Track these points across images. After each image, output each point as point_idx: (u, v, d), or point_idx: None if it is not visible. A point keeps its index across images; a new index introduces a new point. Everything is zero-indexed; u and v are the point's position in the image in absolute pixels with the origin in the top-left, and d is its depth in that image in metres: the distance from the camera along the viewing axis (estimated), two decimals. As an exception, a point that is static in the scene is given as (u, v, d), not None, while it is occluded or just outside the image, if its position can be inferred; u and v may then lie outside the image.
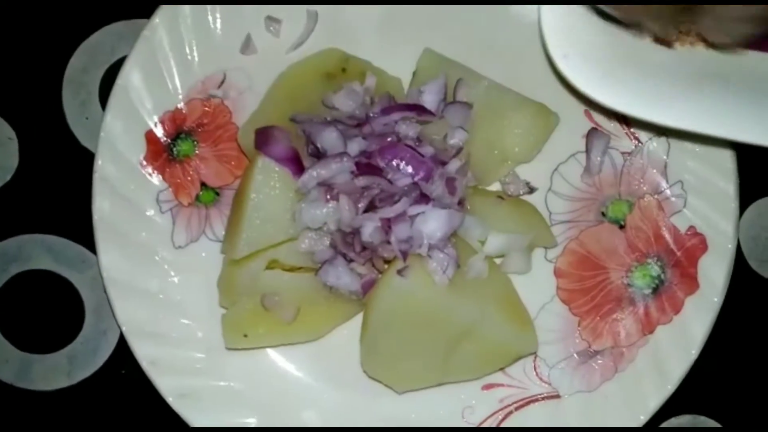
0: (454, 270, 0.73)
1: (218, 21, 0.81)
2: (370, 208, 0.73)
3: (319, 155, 0.75)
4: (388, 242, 0.73)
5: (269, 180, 0.75)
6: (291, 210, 0.75)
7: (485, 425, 0.80)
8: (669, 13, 0.67)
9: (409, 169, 0.74)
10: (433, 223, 0.72)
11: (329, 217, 0.73)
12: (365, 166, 0.73)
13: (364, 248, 0.74)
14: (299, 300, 0.77)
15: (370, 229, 0.72)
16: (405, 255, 0.73)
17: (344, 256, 0.75)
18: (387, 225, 0.72)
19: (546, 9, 0.69)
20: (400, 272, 0.72)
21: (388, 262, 0.76)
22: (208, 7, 0.81)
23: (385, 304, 0.74)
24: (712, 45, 0.70)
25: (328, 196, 0.73)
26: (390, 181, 0.73)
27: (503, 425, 0.80)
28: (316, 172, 0.73)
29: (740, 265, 0.85)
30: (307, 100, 0.79)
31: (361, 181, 0.72)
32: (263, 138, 0.75)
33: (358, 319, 0.79)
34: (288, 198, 0.75)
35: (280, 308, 0.76)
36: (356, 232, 0.74)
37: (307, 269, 0.77)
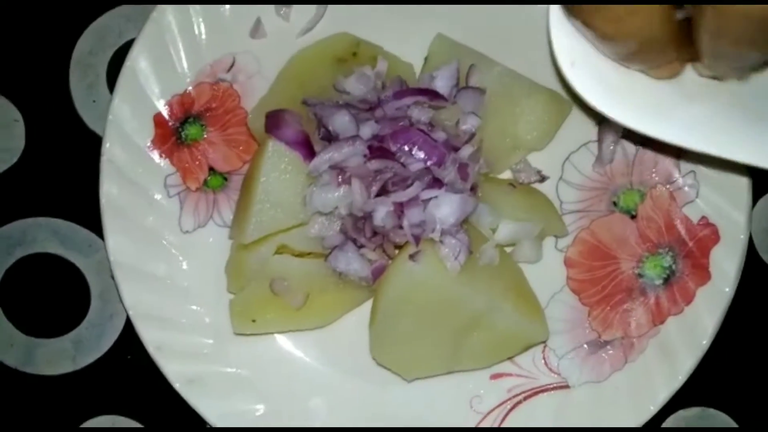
0: (466, 256, 0.72)
1: (227, 4, 0.81)
2: (382, 192, 0.72)
3: (330, 139, 0.74)
4: (400, 227, 0.72)
5: (279, 163, 0.74)
6: (301, 194, 0.74)
7: (493, 414, 0.79)
8: (663, 56, 0.64)
9: (422, 154, 0.73)
10: (446, 207, 0.71)
11: (341, 201, 0.73)
12: (378, 150, 0.72)
13: (374, 233, 0.74)
14: (308, 286, 0.76)
15: (382, 213, 0.72)
16: (417, 240, 0.72)
17: (354, 241, 0.75)
18: (399, 209, 0.72)
19: (555, 10, 0.66)
20: (412, 257, 0.72)
21: (398, 248, 0.75)
22: (218, -11, 0.80)
23: (396, 291, 0.73)
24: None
25: (340, 179, 0.73)
26: (403, 165, 0.72)
27: (511, 415, 0.79)
28: (328, 155, 0.72)
29: (751, 258, 0.84)
30: (318, 85, 0.78)
31: (374, 164, 0.72)
32: (274, 121, 0.74)
33: (368, 305, 0.78)
34: (298, 182, 0.74)
35: (289, 294, 0.76)
36: (367, 216, 0.73)
37: (316, 255, 0.77)
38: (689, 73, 0.67)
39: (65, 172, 0.87)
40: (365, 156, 0.72)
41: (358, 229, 0.74)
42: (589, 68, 0.67)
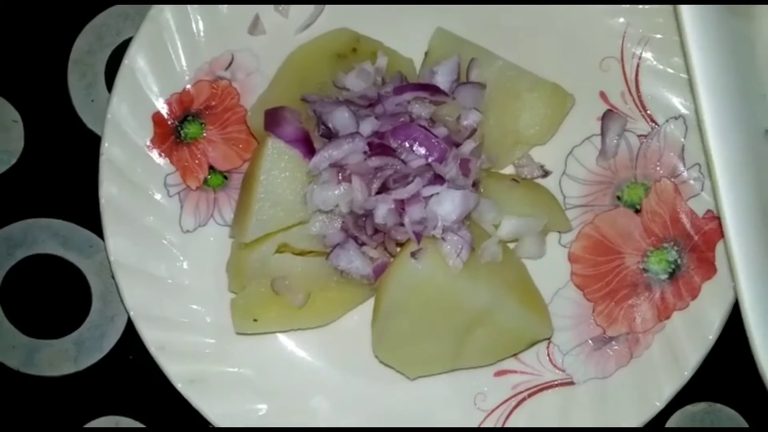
0: (469, 253, 0.72)
1: (225, 4, 0.80)
2: (383, 189, 0.72)
3: (330, 136, 0.74)
4: (402, 224, 0.72)
5: (279, 161, 0.74)
6: (302, 192, 0.74)
7: (497, 412, 0.79)
8: None
9: (423, 150, 0.72)
10: (447, 204, 0.71)
11: (341, 199, 0.72)
12: (378, 147, 0.72)
13: (376, 231, 0.73)
14: (310, 284, 0.76)
15: (383, 210, 0.71)
16: (419, 237, 0.71)
17: (356, 239, 0.74)
18: (401, 206, 0.71)
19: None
20: (413, 255, 0.71)
21: (400, 245, 0.75)
22: (216, -14, 0.80)
23: (398, 289, 0.73)
24: None
25: (340, 177, 0.72)
26: (404, 162, 0.72)
27: (516, 412, 0.79)
28: (327, 153, 0.71)
29: (758, 251, 0.83)
30: (318, 81, 0.78)
31: (374, 161, 0.71)
32: (273, 119, 0.74)
33: (370, 303, 0.78)
34: (299, 180, 0.74)
35: (291, 292, 0.75)
36: (368, 214, 0.73)
37: (317, 253, 0.76)
38: None
39: (65, 173, 0.87)
40: (365, 153, 0.72)
41: (359, 226, 0.73)
42: None
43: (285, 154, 0.74)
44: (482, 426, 0.79)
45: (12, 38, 0.88)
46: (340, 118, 0.72)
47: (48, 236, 0.87)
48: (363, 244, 0.74)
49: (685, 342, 0.77)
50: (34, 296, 0.87)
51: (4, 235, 0.87)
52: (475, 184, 0.75)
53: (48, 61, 0.87)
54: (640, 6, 0.79)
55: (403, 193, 0.70)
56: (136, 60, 0.79)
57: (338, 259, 0.74)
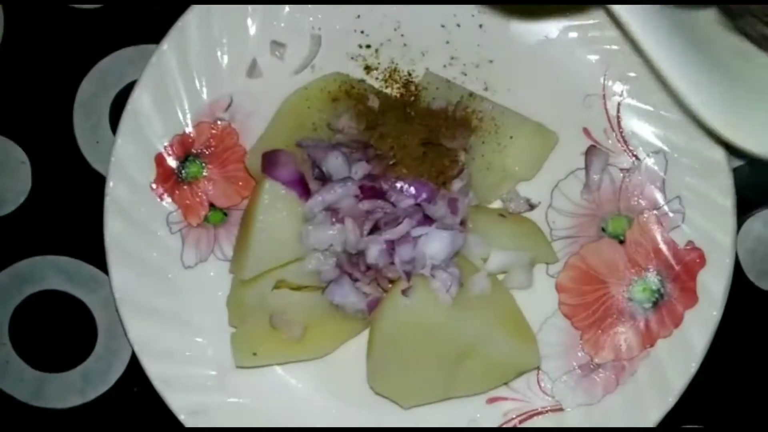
0: (457, 289, 0.74)
1: (225, 46, 0.83)
2: (375, 230, 0.75)
3: (324, 179, 0.77)
4: (393, 263, 0.74)
5: (276, 202, 0.76)
6: (297, 231, 0.77)
7: (490, 438, 0.82)
8: None
9: (412, 190, 0.75)
10: (436, 244, 0.73)
11: (335, 239, 0.75)
12: (369, 190, 0.75)
13: (369, 268, 0.76)
14: (306, 318, 0.78)
15: (375, 251, 0.74)
16: (409, 275, 0.74)
17: (350, 275, 0.77)
18: (391, 246, 0.74)
19: None
20: (404, 292, 0.74)
21: (392, 281, 0.77)
22: (216, 32, 0.83)
23: (390, 324, 0.75)
24: None
25: (334, 219, 0.75)
26: (393, 204, 0.75)
27: (508, 438, 0.81)
28: (321, 197, 0.74)
29: (739, 278, 0.86)
30: (313, 124, 0.81)
31: (365, 205, 0.74)
32: (270, 162, 0.77)
33: (365, 335, 0.80)
34: (294, 219, 0.77)
35: (288, 327, 0.78)
36: (362, 253, 0.75)
37: (314, 288, 0.79)
38: None
39: (71, 212, 0.90)
40: (357, 196, 0.75)
41: (353, 264, 0.76)
42: None
43: (281, 195, 0.76)
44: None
45: (19, 82, 0.91)
46: (333, 163, 0.75)
47: (55, 272, 0.89)
48: (357, 279, 0.77)
49: (669, 369, 0.79)
50: (41, 331, 0.89)
51: (13, 272, 0.89)
52: (463, 222, 0.77)
53: (54, 103, 0.90)
54: (617, 47, 0.82)
55: (393, 234, 0.73)
56: (139, 103, 0.82)
57: (334, 294, 0.77)
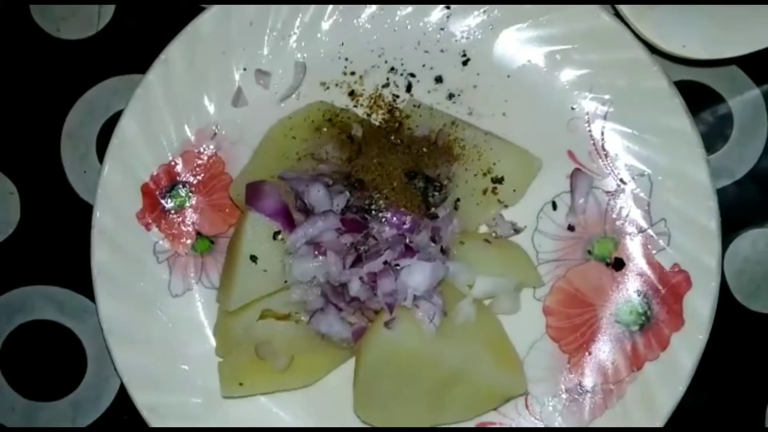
0: (441, 318, 0.75)
1: (210, 76, 0.84)
2: (358, 260, 0.75)
3: (306, 210, 0.77)
4: (376, 294, 0.75)
5: (260, 234, 0.77)
6: (282, 262, 0.77)
7: (479, 462, 0.82)
8: None
9: (395, 220, 0.76)
10: (418, 275, 0.74)
11: (318, 271, 0.76)
12: (350, 222, 0.75)
13: (353, 299, 0.76)
14: (292, 348, 0.79)
15: (356, 284, 0.74)
16: (391, 307, 0.74)
17: (335, 305, 0.77)
18: (373, 279, 0.74)
19: None
20: (386, 324, 0.74)
21: (377, 311, 0.77)
22: (200, 62, 0.83)
23: (375, 355, 0.76)
24: None
25: (316, 252, 0.75)
26: (375, 237, 0.75)
27: (497, 462, 0.82)
28: (303, 232, 0.75)
29: (726, 299, 0.86)
30: (297, 153, 0.81)
31: (347, 238, 0.74)
32: (253, 193, 0.77)
33: (351, 363, 0.80)
34: (279, 250, 0.77)
35: (274, 356, 0.78)
36: (345, 284, 0.75)
37: (299, 317, 0.79)
38: None
39: (59, 241, 0.90)
40: (339, 230, 0.75)
41: (338, 293, 0.76)
42: None
43: (264, 227, 0.77)
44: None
45: (7, 113, 0.91)
46: (315, 196, 0.75)
47: (44, 302, 0.90)
48: (342, 309, 0.77)
49: (657, 392, 0.80)
50: (32, 360, 0.90)
51: (4, 301, 0.90)
52: (446, 251, 0.77)
53: (42, 134, 0.90)
54: (603, 69, 0.82)
55: (374, 266, 0.73)
56: (126, 133, 0.83)
57: (319, 324, 0.77)
